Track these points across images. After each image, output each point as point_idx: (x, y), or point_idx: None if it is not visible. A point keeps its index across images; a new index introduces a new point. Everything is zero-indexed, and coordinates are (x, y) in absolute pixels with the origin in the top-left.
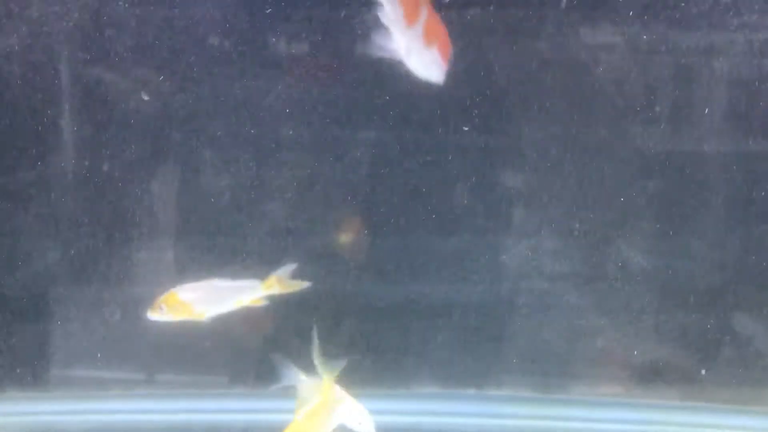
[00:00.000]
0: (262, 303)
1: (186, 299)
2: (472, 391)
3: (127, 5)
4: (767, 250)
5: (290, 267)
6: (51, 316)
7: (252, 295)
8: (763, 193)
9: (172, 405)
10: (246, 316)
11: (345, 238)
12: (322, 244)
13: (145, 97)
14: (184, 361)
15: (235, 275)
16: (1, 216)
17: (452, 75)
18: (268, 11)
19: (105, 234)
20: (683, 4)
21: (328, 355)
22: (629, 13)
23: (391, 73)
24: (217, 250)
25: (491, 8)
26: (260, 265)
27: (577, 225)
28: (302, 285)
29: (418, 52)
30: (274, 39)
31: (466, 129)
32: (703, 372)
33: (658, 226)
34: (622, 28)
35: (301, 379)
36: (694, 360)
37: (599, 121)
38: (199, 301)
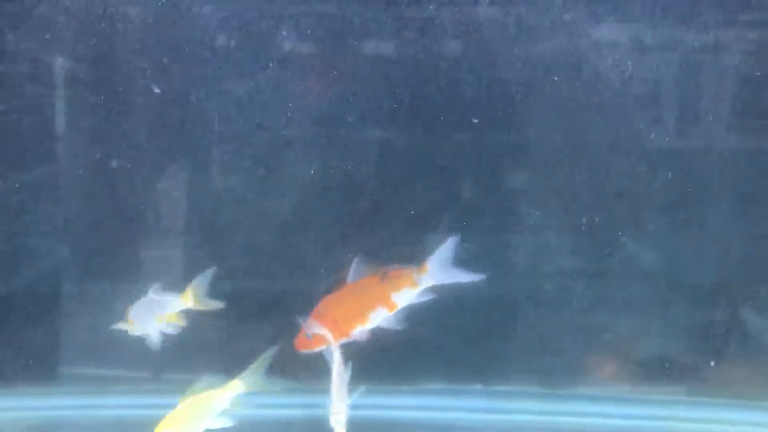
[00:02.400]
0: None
1: (132, 317)
2: (478, 387)
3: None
4: None
5: (209, 273)
6: (60, 312)
7: (172, 309)
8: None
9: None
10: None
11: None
12: (324, 238)
13: (156, 90)
14: (192, 357)
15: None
16: (8, 214)
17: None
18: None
19: (113, 231)
20: None
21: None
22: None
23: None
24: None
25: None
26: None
27: (584, 220)
28: (217, 305)
29: None
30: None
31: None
32: (712, 364)
33: (664, 221)
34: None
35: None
36: (701, 355)
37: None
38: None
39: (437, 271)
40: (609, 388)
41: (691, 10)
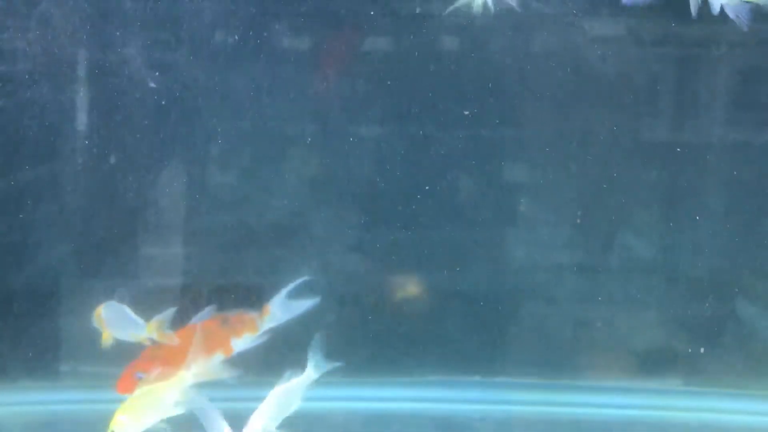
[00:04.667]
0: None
1: (103, 316)
2: (476, 378)
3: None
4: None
5: (171, 311)
6: (61, 308)
7: (135, 334)
8: (760, 185)
9: None
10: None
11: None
12: (328, 233)
13: (152, 84)
14: None
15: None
16: (11, 212)
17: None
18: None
19: (115, 228)
20: None
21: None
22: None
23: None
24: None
25: None
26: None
27: (579, 213)
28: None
29: None
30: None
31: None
32: (702, 350)
33: (659, 215)
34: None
35: None
36: (696, 346)
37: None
38: (109, 323)
39: (279, 312)
40: (606, 379)
41: None
